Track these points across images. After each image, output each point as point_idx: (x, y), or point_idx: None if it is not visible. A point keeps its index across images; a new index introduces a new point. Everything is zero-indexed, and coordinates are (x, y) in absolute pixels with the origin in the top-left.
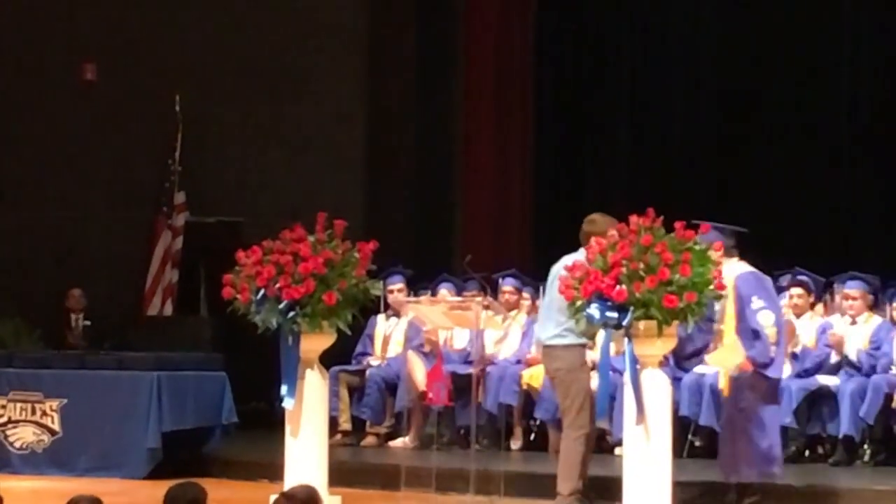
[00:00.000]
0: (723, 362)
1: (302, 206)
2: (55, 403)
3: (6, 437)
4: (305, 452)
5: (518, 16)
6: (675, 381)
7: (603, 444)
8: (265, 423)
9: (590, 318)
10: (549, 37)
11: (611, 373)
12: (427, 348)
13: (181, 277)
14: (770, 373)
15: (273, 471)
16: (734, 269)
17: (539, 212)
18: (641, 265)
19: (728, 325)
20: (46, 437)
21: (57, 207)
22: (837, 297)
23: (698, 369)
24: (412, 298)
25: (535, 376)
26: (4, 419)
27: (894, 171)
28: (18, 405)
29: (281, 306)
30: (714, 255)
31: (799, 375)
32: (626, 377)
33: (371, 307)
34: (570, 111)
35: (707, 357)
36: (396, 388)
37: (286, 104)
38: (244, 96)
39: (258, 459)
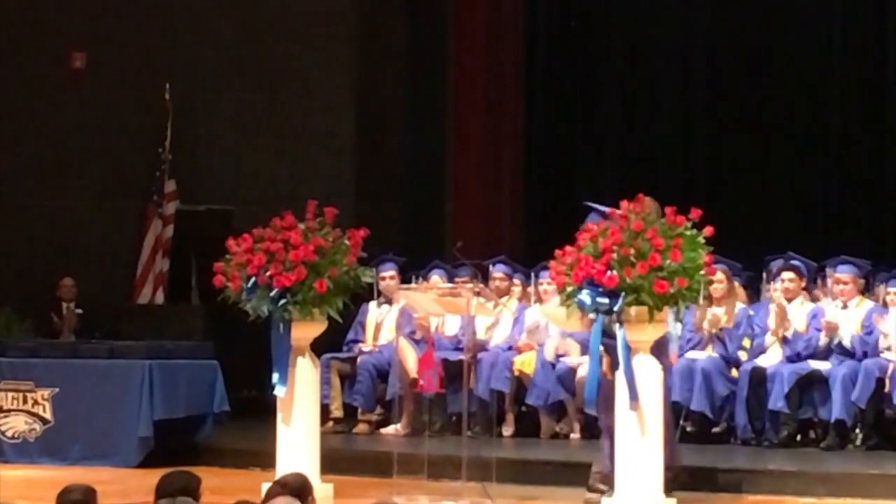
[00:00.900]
0: (553, 314)
1: (292, 194)
2: (47, 392)
3: None
4: (297, 440)
5: (509, 5)
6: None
7: (595, 430)
8: (257, 411)
9: (581, 304)
10: (539, 26)
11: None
12: (419, 335)
13: (172, 266)
14: None
15: (265, 459)
16: None
17: (529, 199)
18: (632, 251)
19: None
20: (38, 426)
21: (47, 197)
22: (829, 282)
23: (690, 354)
24: (403, 285)
25: (526, 362)
26: None
27: (885, 155)
28: (10, 394)
29: (272, 294)
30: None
31: (790, 360)
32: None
33: (362, 294)
34: (560, 99)
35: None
36: (388, 376)
37: (277, 93)
38: (234, 85)
39: (250, 447)
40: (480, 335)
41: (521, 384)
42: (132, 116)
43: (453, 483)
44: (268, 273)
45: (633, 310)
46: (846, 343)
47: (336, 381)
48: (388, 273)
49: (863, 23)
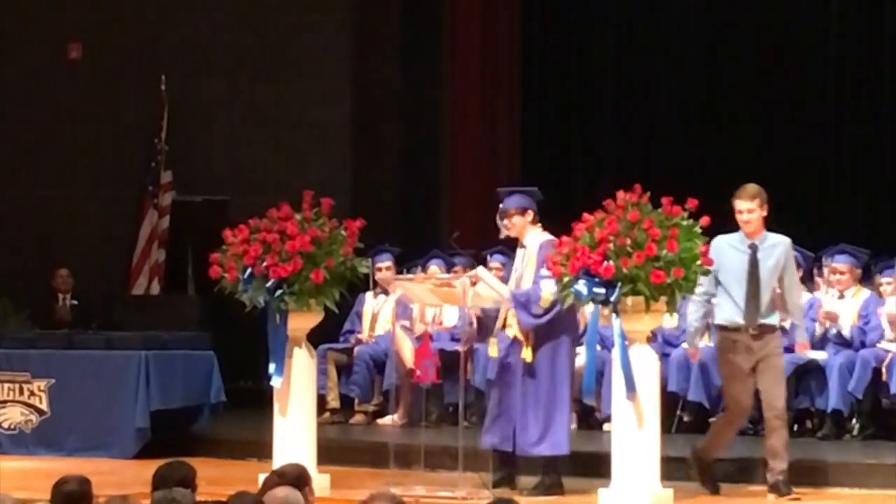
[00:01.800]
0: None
1: (289, 184)
2: (43, 383)
3: None
4: (294, 431)
5: None
6: (664, 356)
7: (591, 420)
8: (253, 401)
9: (577, 295)
10: (535, 13)
11: (598, 349)
12: (416, 332)
13: (168, 256)
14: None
15: (261, 449)
16: (541, 237)
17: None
18: (628, 241)
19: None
20: (34, 417)
21: (43, 187)
22: (826, 272)
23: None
24: (400, 276)
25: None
26: None
27: (882, 145)
28: (6, 385)
29: (268, 285)
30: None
31: (787, 350)
32: (615, 353)
33: (359, 285)
34: (557, 88)
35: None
36: (384, 366)
37: (272, 83)
38: (230, 75)
39: (247, 438)
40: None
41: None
42: (128, 107)
43: (450, 473)
44: (264, 264)
45: (629, 300)
46: (845, 333)
47: (333, 372)
48: (384, 264)
49: (860, 10)
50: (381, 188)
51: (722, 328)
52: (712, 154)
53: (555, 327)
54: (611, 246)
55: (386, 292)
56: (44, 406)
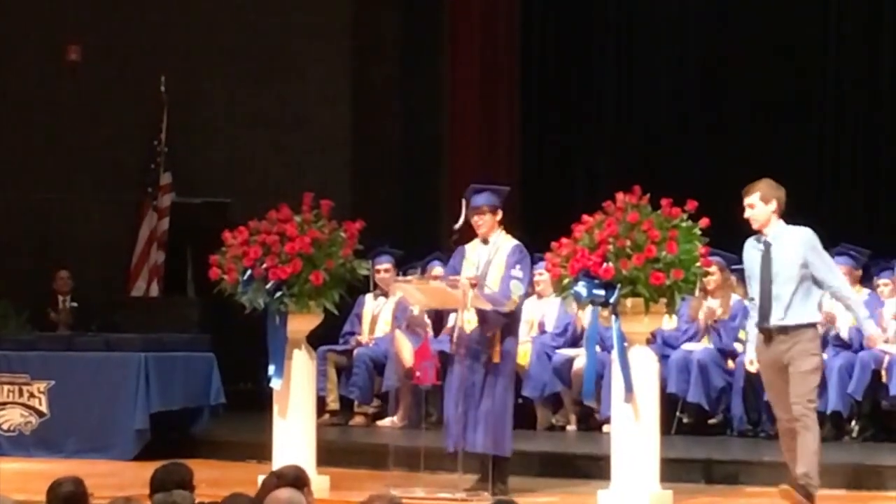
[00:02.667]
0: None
1: (288, 186)
2: (43, 385)
3: None
4: (293, 432)
5: None
6: (663, 358)
7: (591, 421)
8: (253, 403)
9: (577, 296)
10: (535, 14)
11: (598, 350)
12: (420, 331)
13: (168, 258)
14: (492, 318)
15: (261, 451)
16: (510, 240)
17: (526, 190)
18: (628, 242)
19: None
20: (34, 419)
21: (42, 189)
22: None
23: (686, 346)
24: (400, 278)
25: (521, 354)
26: None
27: (882, 146)
28: (6, 387)
29: (268, 286)
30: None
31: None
32: (614, 355)
33: (359, 287)
34: (557, 88)
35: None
36: (384, 368)
37: (272, 85)
38: (230, 77)
39: (246, 440)
40: None
41: (517, 376)
42: (127, 108)
43: (450, 475)
44: (264, 265)
45: (629, 301)
46: (843, 335)
47: (332, 374)
48: (384, 266)
49: (859, 11)
50: (381, 190)
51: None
52: (712, 155)
53: (512, 328)
54: (610, 247)
55: (386, 294)
56: (43, 408)
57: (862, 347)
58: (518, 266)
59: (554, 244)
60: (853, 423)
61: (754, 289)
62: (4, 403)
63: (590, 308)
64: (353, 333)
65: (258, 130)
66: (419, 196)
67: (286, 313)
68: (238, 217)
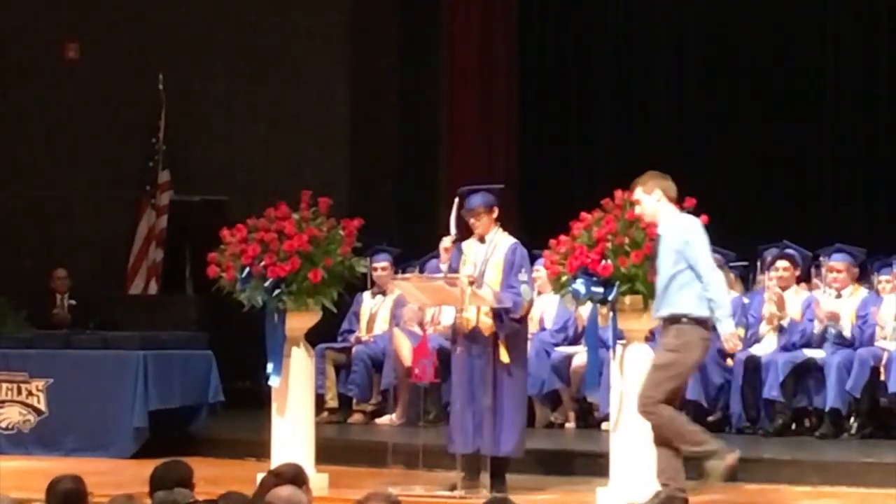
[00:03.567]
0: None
1: (286, 184)
2: (41, 383)
3: None
4: (292, 430)
5: None
6: None
7: (590, 419)
8: (252, 401)
9: (575, 294)
10: (533, 13)
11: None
12: (416, 328)
13: (166, 256)
14: (507, 323)
15: (260, 449)
16: (507, 239)
17: (524, 189)
18: (627, 240)
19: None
20: (32, 417)
21: (40, 187)
22: (823, 271)
23: None
24: (398, 276)
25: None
26: None
27: (881, 143)
28: (4, 385)
29: (266, 284)
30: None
31: (785, 348)
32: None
33: (357, 285)
34: (555, 87)
35: None
36: (383, 366)
37: (270, 83)
38: (228, 75)
39: (245, 438)
40: None
41: None
42: (126, 107)
43: (448, 473)
44: (262, 263)
45: (627, 299)
46: (846, 333)
47: (331, 372)
48: (381, 264)
49: (857, 7)
50: (379, 188)
51: None
52: (710, 153)
53: (522, 331)
54: (609, 245)
55: (384, 292)
56: (42, 406)
57: (862, 344)
58: (522, 270)
59: (552, 241)
60: (852, 420)
61: None
62: (3, 401)
63: (589, 305)
64: (351, 331)
65: (256, 128)
66: (417, 194)
67: (284, 311)
68: (236, 215)
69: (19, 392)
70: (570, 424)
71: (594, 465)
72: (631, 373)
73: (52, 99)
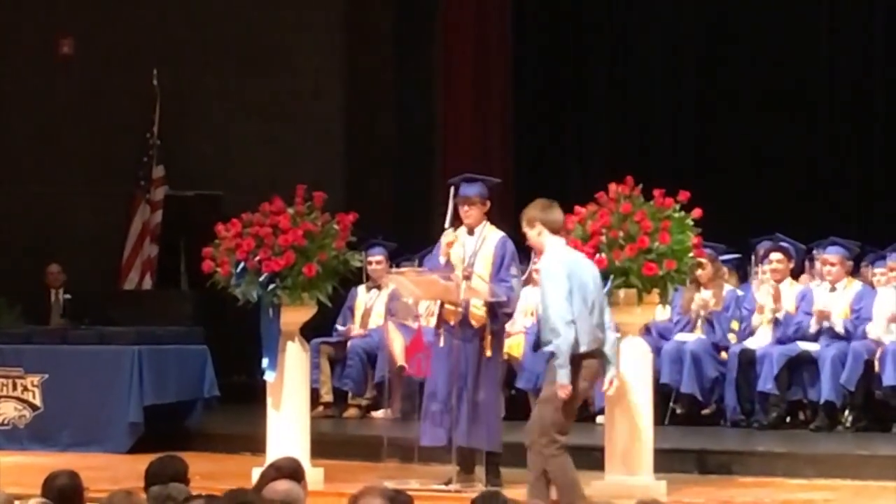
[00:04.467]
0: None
1: (281, 178)
2: (36, 379)
3: None
4: (287, 425)
5: None
6: (656, 349)
7: (584, 413)
8: (247, 396)
9: None
10: (528, 6)
11: None
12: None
13: (161, 251)
14: (496, 321)
15: (255, 443)
16: (497, 232)
17: (519, 183)
18: (621, 233)
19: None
20: (28, 413)
21: (35, 182)
22: (817, 264)
23: (679, 337)
24: (393, 270)
25: (515, 346)
26: None
27: (874, 137)
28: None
29: (261, 279)
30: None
31: (780, 342)
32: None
33: (351, 279)
34: (550, 81)
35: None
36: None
37: (265, 77)
38: (222, 70)
39: (240, 432)
40: None
41: (510, 368)
42: (120, 102)
43: (444, 467)
44: (257, 258)
45: (621, 292)
46: (839, 329)
47: (326, 366)
48: (376, 258)
49: (852, 2)
50: (374, 182)
51: None
52: (705, 147)
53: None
54: (603, 238)
55: (378, 286)
56: (37, 401)
57: (856, 338)
58: (512, 266)
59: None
60: (846, 413)
61: None
62: None
63: None
64: (346, 326)
65: (251, 123)
66: (412, 188)
67: (279, 306)
68: (231, 209)
69: (14, 387)
70: None
71: (589, 458)
72: (626, 366)
73: (46, 94)
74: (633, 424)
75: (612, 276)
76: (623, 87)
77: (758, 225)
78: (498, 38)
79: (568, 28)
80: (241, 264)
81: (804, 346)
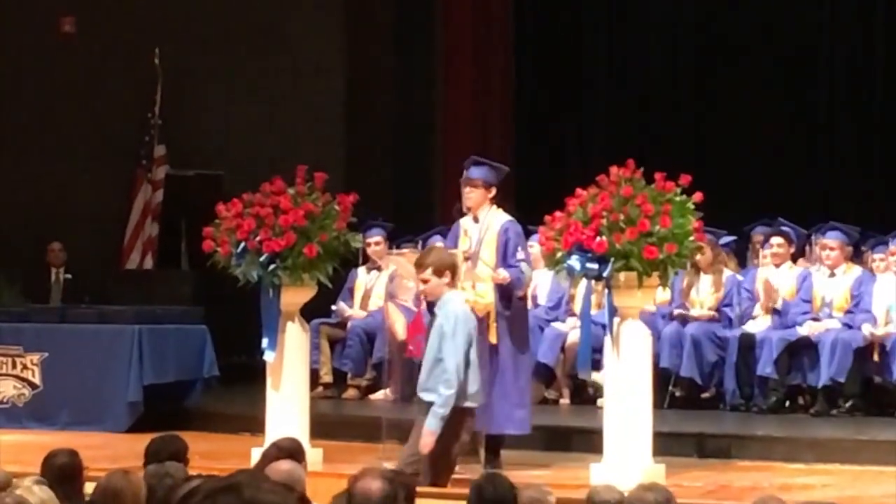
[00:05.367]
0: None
1: (282, 159)
2: (36, 357)
3: None
4: (287, 405)
5: None
6: (656, 332)
7: (584, 395)
8: (246, 376)
9: (570, 270)
10: None
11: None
12: (405, 300)
13: (161, 231)
14: (508, 306)
15: (254, 424)
16: (502, 216)
17: (520, 164)
18: (622, 216)
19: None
20: (27, 391)
21: (36, 161)
22: (816, 249)
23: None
24: (394, 251)
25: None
26: None
27: (874, 121)
28: None
29: (261, 259)
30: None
31: (782, 326)
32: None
33: (351, 260)
34: (550, 62)
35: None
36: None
37: (266, 57)
38: (224, 50)
39: (239, 412)
40: None
41: None
42: (122, 81)
43: None
44: (257, 238)
45: (622, 275)
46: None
47: (326, 347)
48: (375, 239)
49: None
50: (375, 163)
51: None
52: (705, 129)
53: (522, 311)
54: (604, 221)
55: (378, 268)
56: (36, 380)
57: (850, 326)
58: (519, 248)
59: (547, 217)
60: (845, 398)
61: None
62: None
63: (584, 281)
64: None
65: (252, 103)
66: (413, 169)
67: (279, 286)
68: (232, 189)
69: (14, 366)
70: (565, 401)
71: (588, 441)
72: (625, 348)
73: (48, 72)
74: (632, 408)
75: (612, 259)
76: (624, 69)
77: (757, 210)
78: (498, 21)
79: (568, 8)
80: (242, 244)
81: (803, 330)
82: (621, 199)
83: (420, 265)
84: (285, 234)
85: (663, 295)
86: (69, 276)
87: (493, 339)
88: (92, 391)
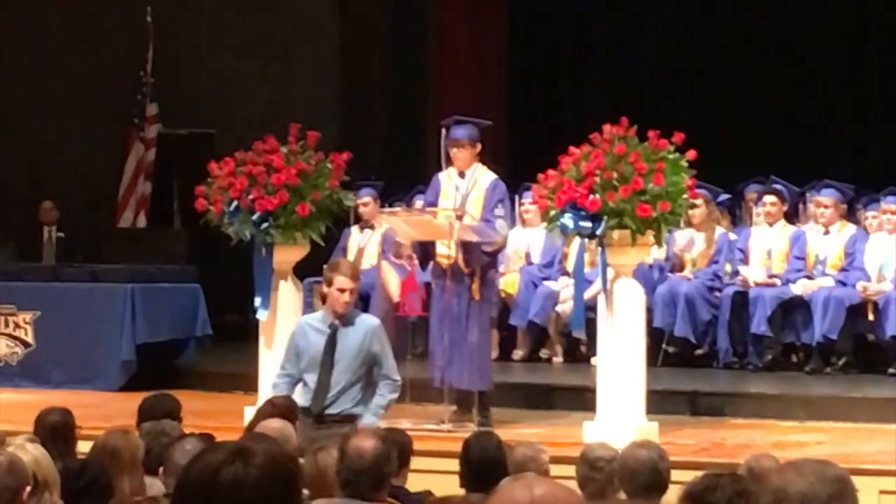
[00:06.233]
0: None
1: (275, 117)
2: (29, 316)
3: None
4: (279, 364)
5: None
6: (651, 289)
7: (577, 353)
8: (239, 334)
9: (563, 228)
10: None
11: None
12: (401, 258)
13: (154, 189)
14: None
15: (247, 382)
16: (489, 174)
17: (514, 122)
18: (615, 174)
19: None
20: (20, 350)
21: (28, 120)
22: (810, 207)
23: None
24: (386, 209)
25: (510, 283)
26: None
27: (871, 83)
28: None
29: (254, 217)
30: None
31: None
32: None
33: (344, 218)
34: (545, 22)
35: None
36: (370, 300)
37: (259, 15)
38: (217, 7)
39: (232, 371)
40: None
41: (505, 306)
42: (114, 39)
43: (436, 406)
44: (250, 196)
45: (615, 233)
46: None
47: (319, 305)
48: (364, 199)
49: None
50: (368, 122)
51: None
52: (699, 89)
53: (493, 266)
54: (597, 179)
55: (371, 227)
56: (29, 339)
57: (844, 283)
58: (500, 205)
59: (541, 176)
60: (839, 355)
61: None
62: None
63: (577, 240)
64: None
65: (245, 61)
66: (406, 128)
67: (272, 245)
68: (225, 148)
69: (6, 324)
70: (558, 359)
71: (581, 399)
72: (619, 306)
73: (40, 31)
74: (625, 366)
75: (605, 217)
76: (620, 27)
77: (751, 167)
78: None
79: None
80: (234, 203)
81: (796, 289)
82: (614, 157)
83: (329, 282)
84: (278, 192)
85: (658, 252)
86: (62, 234)
87: (477, 295)
88: (85, 350)
